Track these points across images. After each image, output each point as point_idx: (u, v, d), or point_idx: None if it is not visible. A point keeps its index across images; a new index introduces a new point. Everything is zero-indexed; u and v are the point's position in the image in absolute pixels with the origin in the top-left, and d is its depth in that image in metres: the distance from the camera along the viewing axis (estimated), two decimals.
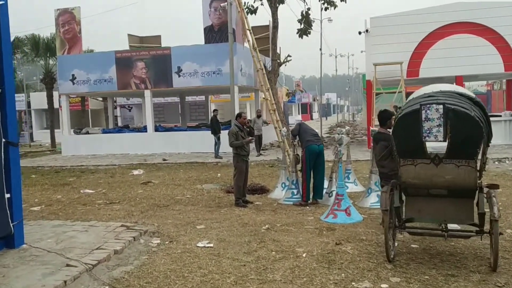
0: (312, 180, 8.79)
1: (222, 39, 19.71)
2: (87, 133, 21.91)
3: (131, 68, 20.60)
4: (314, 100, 73.17)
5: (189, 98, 36.56)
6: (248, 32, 12.41)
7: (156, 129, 21.37)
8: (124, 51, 21.16)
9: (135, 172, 14.64)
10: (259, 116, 17.72)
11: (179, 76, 20.11)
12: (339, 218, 7.36)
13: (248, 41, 12.64)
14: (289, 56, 21.47)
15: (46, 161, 19.69)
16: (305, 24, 23.45)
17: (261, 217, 7.95)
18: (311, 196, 8.78)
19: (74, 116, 37.68)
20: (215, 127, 17.62)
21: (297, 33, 23.73)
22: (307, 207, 8.59)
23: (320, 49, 27.82)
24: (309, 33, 23.80)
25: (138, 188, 11.49)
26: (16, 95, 26.30)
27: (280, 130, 10.58)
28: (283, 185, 9.72)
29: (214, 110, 18.02)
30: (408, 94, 18.25)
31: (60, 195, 10.98)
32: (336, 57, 44.80)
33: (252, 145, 17.15)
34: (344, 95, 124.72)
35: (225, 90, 22.42)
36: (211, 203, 9.27)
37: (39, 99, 36.37)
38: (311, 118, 66.36)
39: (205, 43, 19.93)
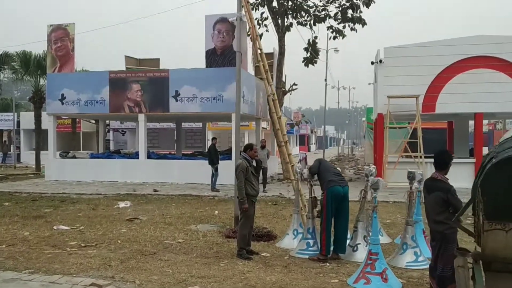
0: (333, 229, 7.20)
1: (224, 64, 18.40)
2: (74, 157, 20.29)
3: (125, 90, 19.16)
4: (312, 132, 72.14)
5: (185, 125, 35.13)
6: (259, 52, 11.02)
7: (149, 155, 19.78)
8: (119, 71, 19.77)
9: (121, 204, 12.97)
10: (263, 147, 16.14)
11: (177, 100, 18.65)
12: (373, 284, 5.76)
13: (259, 61, 11.20)
14: (294, 84, 20.15)
15: (26, 186, 17.96)
16: (312, 53, 22.27)
17: (271, 276, 6.31)
18: (331, 249, 7.17)
19: (64, 138, 36.09)
20: (213, 157, 16.05)
21: (303, 61, 22.55)
22: (327, 264, 6.96)
23: (325, 80, 26.62)
24: (316, 62, 22.62)
25: (122, 226, 9.81)
26: (5, 114, 24.84)
27: (292, 165, 9.06)
28: (295, 232, 8.10)
29: (213, 139, 16.52)
30: (414, 130, 16.91)
31: (29, 231, 9.28)
32: (339, 89, 43.75)
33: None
34: (341, 128, 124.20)
35: (225, 117, 21.02)
36: (208, 252, 7.61)
37: (29, 119, 34.67)
38: (309, 150, 65.03)
39: (206, 67, 18.58)
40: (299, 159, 19.10)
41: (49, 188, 17.05)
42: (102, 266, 6.73)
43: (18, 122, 37.27)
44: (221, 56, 18.39)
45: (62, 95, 19.79)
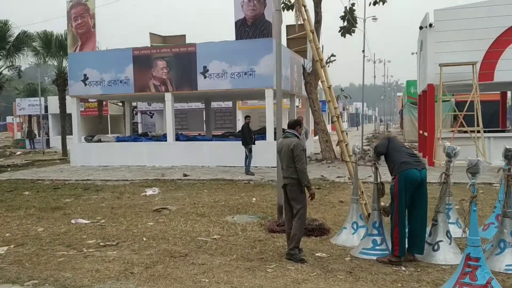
0: (407, 224, 5.72)
1: (256, 35, 16.84)
2: (99, 141, 19.25)
3: (150, 68, 17.87)
4: (343, 109, 69.87)
5: (214, 104, 33.82)
6: (303, 9, 9.45)
7: (177, 137, 18.53)
8: (143, 48, 18.47)
9: (149, 191, 11.77)
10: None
11: (205, 77, 17.26)
12: None
13: (304, 20, 9.63)
14: (333, 55, 18.43)
15: (50, 172, 17.03)
16: (349, 22, 20.42)
17: (334, 286, 4.91)
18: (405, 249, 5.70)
19: (91, 122, 35.41)
20: (246, 137, 14.65)
21: (339, 31, 20.72)
22: (402, 268, 5.50)
23: (363, 51, 24.65)
24: (353, 31, 20.73)
25: (148, 218, 8.57)
26: (32, 99, 24.09)
27: (347, 144, 7.58)
28: (355, 226, 6.64)
29: (246, 117, 15.07)
30: (468, 103, 14.99)
31: (44, 226, 8.14)
32: (374, 62, 41.36)
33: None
34: (372, 105, 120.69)
35: (257, 94, 19.54)
36: (250, 253, 6.25)
37: (56, 103, 34.00)
38: None
39: (236, 39, 17.07)
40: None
41: (73, 175, 16.05)
42: (122, 273, 5.46)
43: (46, 107, 36.80)
44: (252, 27, 16.83)
45: (85, 75, 18.67)
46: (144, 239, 7.06)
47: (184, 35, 24.29)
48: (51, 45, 22.69)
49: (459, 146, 5.93)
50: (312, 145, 25.15)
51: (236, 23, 17.04)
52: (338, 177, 13.63)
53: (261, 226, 7.71)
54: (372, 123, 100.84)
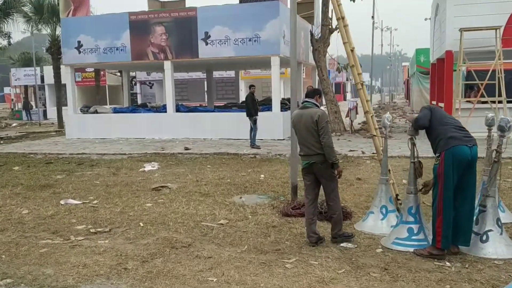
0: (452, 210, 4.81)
1: None
2: (96, 112, 18.26)
3: (148, 34, 16.73)
4: (347, 79, 68.44)
5: (216, 74, 32.65)
6: None
7: (178, 108, 17.54)
8: (140, 12, 17.26)
9: (147, 167, 10.88)
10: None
11: (207, 44, 16.14)
12: None
13: None
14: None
15: (44, 145, 16.12)
16: None
17: None
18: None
19: (88, 93, 34.33)
20: (251, 108, 13.66)
21: None
22: (446, 263, 4.63)
23: (373, 17, 23.34)
24: None
25: (146, 198, 7.69)
26: (28, 68, 23.03)
27: (372, 116, 6.59)
28: (384, 211, 5.75)
29: (251, 86, 14.04)
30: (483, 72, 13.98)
31: (30, 208, 7.27)
32: (382, 30, 39.76)
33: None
34: (374, 76, 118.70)
35: (262, 62, 18.40)
36: (264, 242, 5.38)
37: (52, 73, 32.93)
38: (345, 99, 62.03)
39: (240, 2, 15.89)
40: (348, 108, 16.56)
41: (68, 148, 15.15)
42: (114, 269, 4.60)
43: (42, 77, 35.66)
44: None
45: (79, 42, 17.54)
46: (141, 224, 6.19)
47: (184, 0, 22.97)
48: (43, 10, 21.45)
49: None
50: None
51: None
52: (351, 150, 12.71)
53: (273, 208, 6.83)
54: (376, 94, 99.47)
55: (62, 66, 21.95)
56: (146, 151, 13.58)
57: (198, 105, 25.05)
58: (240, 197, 7.57)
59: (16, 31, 47.91)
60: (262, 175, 9.46)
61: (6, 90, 59.98)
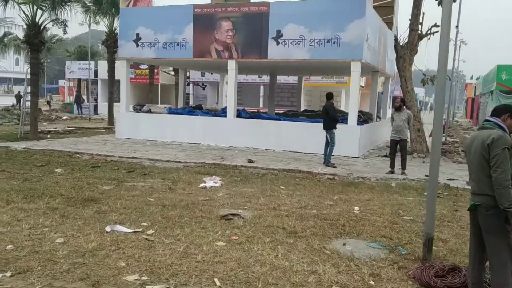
0: None
1: None
2: (149, 111, 16.76)
3: (213, 30, 15.07)
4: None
5: (264, 79, 30.79)
6: None
7: (239, 114, 15.77)
8: (206, 5, 15.65)
9: (209, 182, 9.08)
10: (398, 108, 11.25)
11: (278, 43, 14.29)
12: None
13: None
14: (435, 26, 14.95)
15: (92, 144, 14.70)
16: None
17: None
18: None
19: (141, 90, 33.26)
20: (330, 120, 11.66)
21: None
22: None
23: (457, 26, 20.80)
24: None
25: (215, 233, 5.81)
26: (82, 62, 22.01)
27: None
28: None
29: (329, 94, 12.03)
30: None
31: (66, 233, 5.55)
32: (455, 43, 36.51)
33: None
34: (428, 92, 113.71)
35: (339, 68, 16.37)
36: None
37: (106, 68, 32.11)
38: None
39: None
40: None
41: (117, 149, 13.63)
42: None
43: (96, 71, 35.01)
44: None
45: (137, 35, 16.11)
46: (217, 282, 4.30)
47: None
48: (102, 0, 20.28)
49: None
50: (387, 130, 21.83)
51: None
52: (450, 179, 10.46)
53: (399, 268, 4.80)
54: (425, 111, 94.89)
55: (117, 61, 20.78)
56: (204, 161, 11.81)
57: (256, 110, 23.31)
58: (344, 244, 5.57)
59: (73, 22, 47.82)
60: (356, 208, 7.42)
61: (61, 82, 60.69)
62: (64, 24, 16.56)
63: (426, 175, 10.74)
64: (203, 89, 36.21)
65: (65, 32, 17.43)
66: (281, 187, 9.01)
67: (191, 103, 33.63)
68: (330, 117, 11.59)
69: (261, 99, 33.38)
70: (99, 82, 35.28)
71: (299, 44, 14.06)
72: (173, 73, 31.26)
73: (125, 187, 8.39)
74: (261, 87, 33.17)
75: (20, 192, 7.61)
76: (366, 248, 5.45)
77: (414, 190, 9.25)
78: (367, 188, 9.18)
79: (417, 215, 7.11)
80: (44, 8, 15.73)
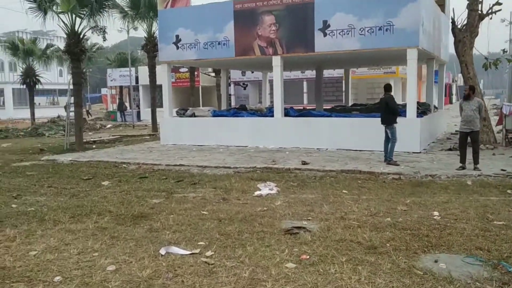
0: None
1: None
2: (193, 115, 16.26)
3: (255, 25, 14.37)
4: (453, 80, 62.47)
5: (310, 73, 29.77)
6: None
7: (287, 112, 15.01)
8: (247, 0, 14.95)
9: (264, 189, 8.39)
10: (467, 97, 10.12)
11: (325, 35, 13.43)
12: None
13: None
14: (498, 3, 13.67)
15: (138, 152, 14.33)
16: None
17: None
18: None
19: (182, 94, 33.10)
20: (390, 114, 10.73)
21: None
22: None
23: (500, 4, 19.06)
24: None
25: (282, 251, 5.09)
26: (123, 69, 21.89)
27: None
28: None
29: (388, 86, 11.09)
30: None
31: (118, 259, 4.97)
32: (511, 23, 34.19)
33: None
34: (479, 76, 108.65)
35: (393, 56, 15.31)
36: None
37: (147, 74, 32.04)
38: (450, 102, 56.61)
39: None
40: (502, 113, 12.97)
41: (164, 156, 13.17)
42: None
43: (137, 78, 35.13)
44: None
45: (177, 36, 15.63)
46: None
47: None
48: (140, 4, 20.00)
49: None
50: (445, 121, 20.53)
51: None
52: None
53: None
54: (485, 97, 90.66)
55: (158, 66, 20.48)
56: (255, 165, 11.12)
57: (302, 108, 22.49)
58: (436, 261, 4.71)
59: (112, 29, 48.43)
60: (436, 213, 6.51)
61: (103, 91, 61.82)
62: (103, 31, 16.31)
63: (502, 169, 9.67)
64: (244, 88, 35.63)
65: (104, 39, 17.19)
66: (344, 191, 8.20)
67: (233, 103, 33.14)
68: (391, 110, 10.64)
69: (305, 96, 32.47)
70: (140, 88, 35.38)
71: (348, 34, 13.14)
72: (213, 74, 30.90)
73: (176, 199, 7.80)
74: (305, 83, 32.26)
75: (68, 210, 7.16)
76: (463, 265, 4.58)
77: (494, 187, 8.21)
78: (440, 188, 8.23)
79: (509, 219, 6.15)
80: (82, 16, 15.51)
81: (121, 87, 37.83)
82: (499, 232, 5.58)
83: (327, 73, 29.46)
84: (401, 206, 7.01)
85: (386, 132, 10.96)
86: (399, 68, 29.16)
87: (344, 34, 13.18)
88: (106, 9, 15.78)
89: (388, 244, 5.23)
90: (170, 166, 11.62)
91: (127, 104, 36.80)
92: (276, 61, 14.29)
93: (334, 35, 13.31)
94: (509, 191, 7.88)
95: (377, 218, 6.37)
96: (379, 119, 11.68)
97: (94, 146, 16.67)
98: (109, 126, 28.92)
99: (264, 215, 6.66)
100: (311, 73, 29.76)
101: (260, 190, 8.39)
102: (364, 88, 31.78)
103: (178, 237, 5.67)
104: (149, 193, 8.42)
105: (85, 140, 16.88)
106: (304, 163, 11.10)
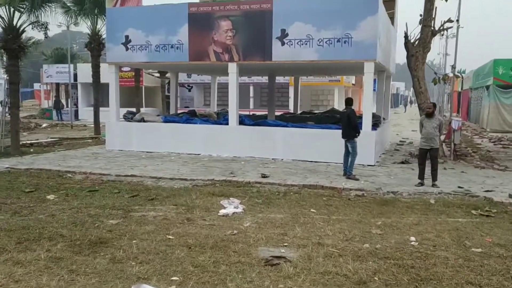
0: None
1: None
2: (142, 120, 15.46)
3: (210, 30, 13.88)
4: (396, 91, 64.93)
5: (254, 79, 29.61)
6: None
7: (242, 120, 14.61)
8: (202, 3, 14.45)
9: (228, 207, 7.94)
10: (430, 115, 10.05)
11: (283, 44, 13.19)
12: None
13: None
14: (449, 21, 14.06)
15: (82, 159, 13.36)
16: None
17: None
18: None
19: (125, 94, 31.61)
20: (352, 128, 10.64)
21: None
22: None
23: (457, 20, 19.96)
24: None
25: (262, 285, 4.71)
26: (61, 65, 20.53)
27: None
28: None
29: (350, 100, 10.99)
30: None
31: None
32: (442, 30, 35.88)
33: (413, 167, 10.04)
34: (408, 85, 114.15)
35: (350, 68, 15.38)
36: None
37: (87, 71, 30.27)
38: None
39: None
40: (451, 127, 13.34)
41: (112, 165, 12.35)
42: None
43: (75, 75, 33.29)
44: None
45: (127, 37, 14.80)
46: None
47: None
48: (84, 0, 18.83)
49: None
50: (390, 131, 21.00)
51: None
52: (487, 191, 9.52)
53: None
54: (415, 104, 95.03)
55: (103, 64, 19.39)
56: (213, 177, 10.63)
57: (249, 113, 22.20)
58: None
59: (52, 25, 45.77)
60: (412, 238, 6.38)
61: (36, 86, 58.40)
62: (45, 27, 15.11)
63: (459, 187, 9.83)
64: (189, 90, 34.86)
65: (46, 36, 15.94)
66: (312, 210, 7.93)
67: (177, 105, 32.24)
68: (352, 125, 10.54)
69: (251, 100, 32.28)
70: (79, 86, 33.57)
71: (306, 44, 12.99)
72: (157, 75, 29.87)
73: (135, 220, 7.17)
74: (251, 88, 32.06)
75: (12, 234, 6.35)
76: None
77: (457, 207, 8.25)
78: (406, 208, 8.17)
79: (484, 245, 6.12)
80: (22, 10, 14.29)
81: (57, 84, 35.75)
82: (481, 262, 5.50)
83: (264, 79, 29.38)
84: (374, 228, 6.83)
85: (346, 146, 10.87)
86: (343, 77, 29.67)
87: (302, 44, 13.00)
88: (49, 4, 14.62)
89: (376, 278, 4.98)
90: (120, 176, 10.86)
91: (63, 101, 34.85)
92: (232, 68, 13.88)
93: (292, 44, 13.10)
94: (473, 211, 7.94)
95: (355, 244, 6.13)
96: (335, 131, 11.59)
97: (31, 150, 15.41)
98: (44, 125, 27.12)
99: (236, 240, 6.22)
100: (257, 78, 29.63)
101: (224, 208, 7.94)
102: (308, 95, 32.08)
103: (147, 270, 5.11)
104: (103, 211, 7.71)
105: (21, 143, 15.56)
106: (263, 175, 10.76)
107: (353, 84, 34.00)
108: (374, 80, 28.48)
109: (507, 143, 19.06)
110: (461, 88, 44.09)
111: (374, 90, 22.25)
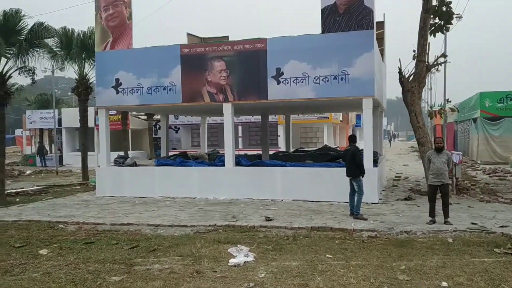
0: None
1: (350, 26, 12.57)
2: (134, 164, 14.94)
3: (204, 71, 13.66)
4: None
5: (242, 118, 29.45)
6: None
7: (238, 161, 14.20)
8: (195, 45, 14.28)
9: (238, 256, 7.42)
10: (439, 150, 9.84)
11: (279, 82, 13.00)
12: None
13: None
14: (443, 56, 14.11)
15: (73, 207, 12.71)
16: (443, 18, 16.01)
17: None
18: None
19: (112, 137, 31.15)
20: (356, 166, 10.31)
21: (430, 29, 16.34)
22: None
23: (445, 55, 20.15)
24: (447, 29, 16.26)
25: None
26: (45, 111, 20.03)
27: None
28: None
29: (353, 137, 10.72)
30: None
31: None
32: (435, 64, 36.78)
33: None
34: (390, 120, 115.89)
35: (348, 105, 15.20)
36: None
37: (72, 116, 29.85)
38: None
39: (323, 31, 12.81)
40: (454, 162, 13.11)
41: (105, 213, 11.74)
42: None
43: (60, 120, 32.70)
44: (345, 15, 12.56)
45: (117, 80, 14.48)
46: None
47: (227, 36, 20.07)
48: (72, 44, 18.57)
49: None
50: (386, 167, 20.77)
51: (322, 11, 12.78)
52: (502, 226, 9.18)
53: None
54: (398, 139, 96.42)
55: (91, 108, 18.98)
56: (214, 222, 10.11)
57: (239, 153, 21.81)
58: None
59: (38, 69, 45.45)
60: (445, 284, 5.93)
61: (18, 132, 57.45)
62: (32, 72, 14.72)
63: (473, 223, 9.47)
64: (176, 132, 34.48)
65: (33, 82, 15.53)
66: (327, 255, 7.45)
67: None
68: (357, 163, 10.21)
69: (240, 140, 31.97)
70: (63, 131, 32.92)
71: (302, 82, 12.81)
72: (144, 117, 29.50)
73: (140, 275, 6.59)
74: (239, 127, 31.79)
75: None
76: None
77: (477, 245, 7.87)
78: (426, 248, 7.75)
79: None
80: (9, 55, 13.92)
81: (41, 130, 35.04)
82: None
83: (254, 118, 29.24)
84: (400, 274, 6.38)
85: (351, 184, 10.51)
86: (332, 114, 29.71)
87: (299, 82, 12.83)
88: (37, 49, 14.28)
89: None
90: (116, 225, 10.26)
91: (47, 147, 34.08)
92: (227, 108, 13.59)
93: (288, 83, 12.92)
94: (496, 249, 7.56)
95: None
96: (336, 169, 11.24)
97: (17, 200, 14.70)
98: (28, 172, 26.30)
99: None
100: (246, 117, 29.46)
101: (234, 256, 7.42)
102: (297, 133, 31.96)
103: None
104: (103, 266, 7.12)
105: (6, 192, 14.83)
106: (268, 219, 10.27)
107: (340, 121, 34.08)
108: (359, 115, 28.04)
109: (502, 175, 18.97)
110: (445, 121, 44.52)
111: (358, 126, 22.11)
